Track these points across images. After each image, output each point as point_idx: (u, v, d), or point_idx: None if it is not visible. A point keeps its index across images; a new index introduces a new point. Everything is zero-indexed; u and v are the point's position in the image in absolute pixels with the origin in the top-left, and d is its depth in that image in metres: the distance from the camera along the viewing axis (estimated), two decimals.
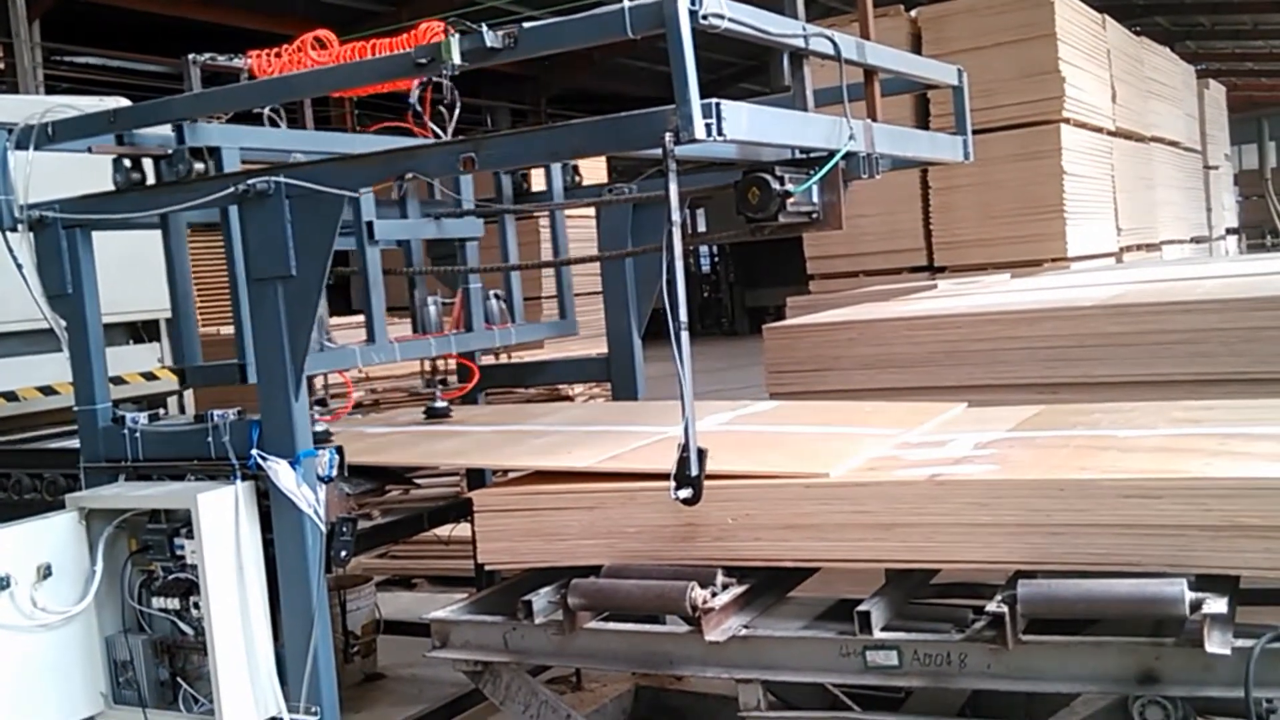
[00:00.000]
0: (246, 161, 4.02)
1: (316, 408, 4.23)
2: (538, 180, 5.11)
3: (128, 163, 3.93)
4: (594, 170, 7.32)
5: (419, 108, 4.02)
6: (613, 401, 5.27)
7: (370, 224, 4.28)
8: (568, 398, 7.58)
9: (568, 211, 5.65)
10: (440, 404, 4.87)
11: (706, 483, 3.15)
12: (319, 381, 4.29)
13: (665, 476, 3.14)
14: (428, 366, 4.97)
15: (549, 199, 4.95)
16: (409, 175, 3.46)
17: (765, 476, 3.31)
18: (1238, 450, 3.14)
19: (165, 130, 4.03)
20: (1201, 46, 27.66)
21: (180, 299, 4.20)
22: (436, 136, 4.11)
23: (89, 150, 3.97)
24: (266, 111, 4.10)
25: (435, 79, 3.63)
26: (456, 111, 4.14)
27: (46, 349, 5.30)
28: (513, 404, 6.63)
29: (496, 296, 4.83)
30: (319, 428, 4.04)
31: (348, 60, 3.81)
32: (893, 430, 3.84)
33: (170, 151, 3.89)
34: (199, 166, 3.83)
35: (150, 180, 4.03)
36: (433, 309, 4.66)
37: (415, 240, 4.72)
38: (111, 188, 3.98)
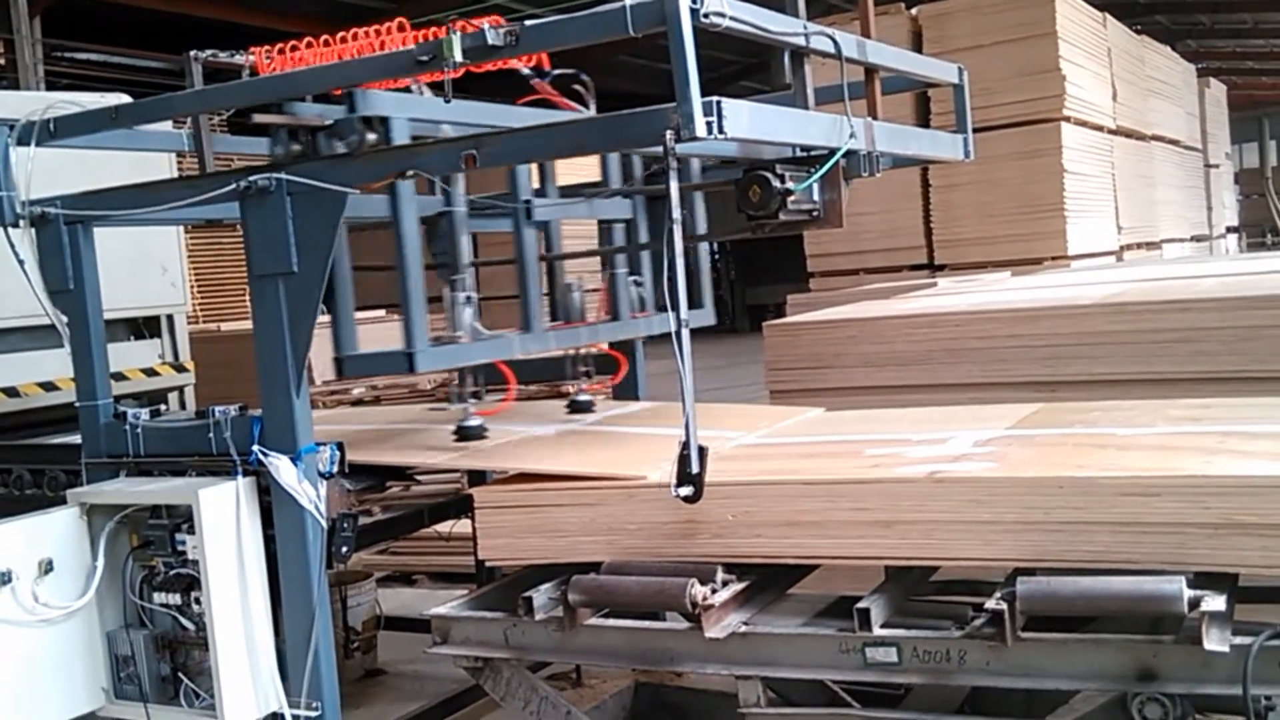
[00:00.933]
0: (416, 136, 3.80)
1: (471, 400, 4.17)
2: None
3: (285, 134, 3.67)
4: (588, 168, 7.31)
5: (543, 92, 3.83)
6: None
7: (529, 202, 4.11)
8: (567, 395, 7.57)
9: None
10: (584, 397, 4.68)
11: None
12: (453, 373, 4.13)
13: None
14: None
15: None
16: (410, 172, 3.47)
17: (575, 479, 3.46)
18: (1236, 449, 3.14)
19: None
20: (1202, 45, 27.65)
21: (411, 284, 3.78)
22: (577, 111, 4.01)
23: (250, 116, 3.73)
24: (414, 83, 3.84)
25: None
26: (592, 90, 4.06)
27: (48, 345, 5.31)
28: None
29: (636, 283, 4.57)
30: (473, 422, 4.00)
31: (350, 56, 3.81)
32: (736, 433, 4.01)
33: (330, 122, 3.66)
34: (371, 137, 3.56)
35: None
36: (577, 295, 4.39)
37: (554, 223, 4.52)
38: (113, 185, 3.98)
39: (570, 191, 4.77)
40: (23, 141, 3.89)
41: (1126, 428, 3.55)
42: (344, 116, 3.64)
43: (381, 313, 13.12)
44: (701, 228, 4.65)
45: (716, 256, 28.78)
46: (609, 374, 4.93)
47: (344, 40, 3.87)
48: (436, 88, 3.88)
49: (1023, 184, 10.61)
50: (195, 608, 3.55)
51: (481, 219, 4.27)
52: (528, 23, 3.12)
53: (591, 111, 4.08)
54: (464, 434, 4.08)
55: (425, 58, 3.19)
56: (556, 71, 3.76)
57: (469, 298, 3.81)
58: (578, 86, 4.06)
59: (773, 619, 3.29)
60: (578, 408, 4.64)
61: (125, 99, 5.68)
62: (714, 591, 3.18)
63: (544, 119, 3.85)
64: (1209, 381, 4.36)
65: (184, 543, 3.55)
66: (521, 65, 3.66)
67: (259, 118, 3.69)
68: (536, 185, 4.42)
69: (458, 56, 3.11)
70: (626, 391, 5.09)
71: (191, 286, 8.95)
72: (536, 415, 4.69)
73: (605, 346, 4.79)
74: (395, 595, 6.91)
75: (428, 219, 3.94)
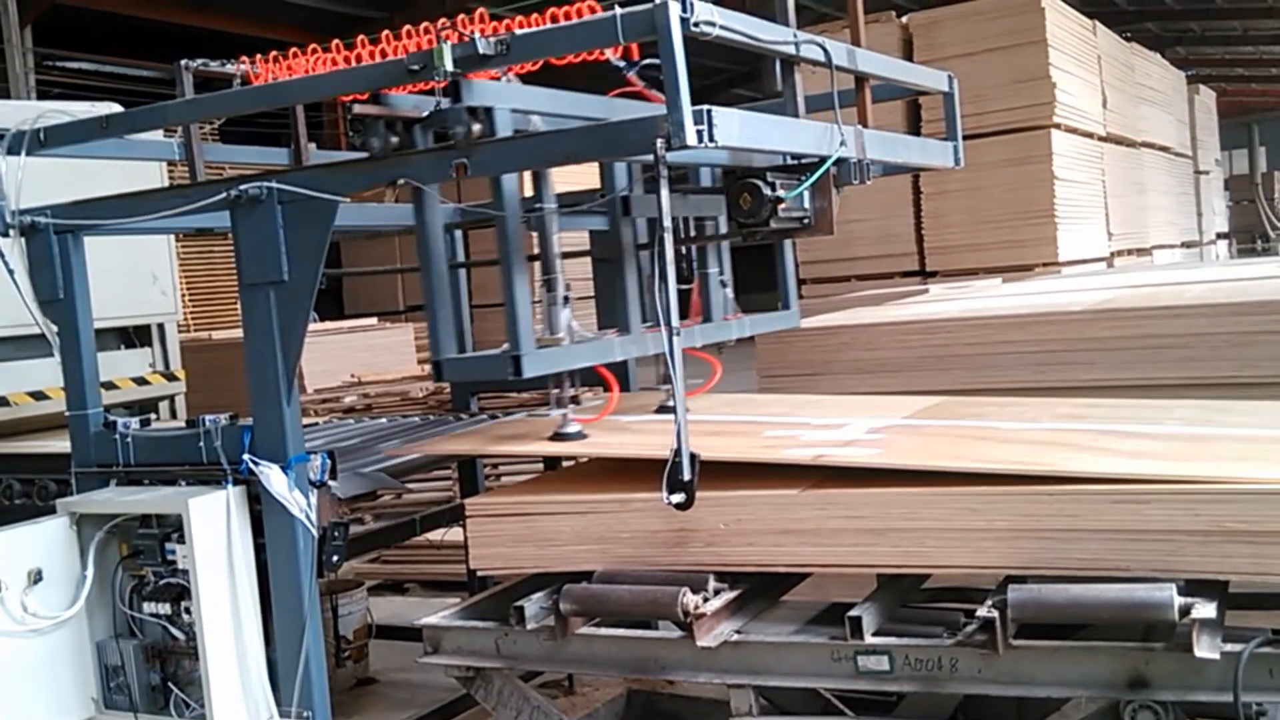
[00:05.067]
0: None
1: (572, 406, 3.94)
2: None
3: (383, 126, 3.46)
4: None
5: (635, 86, 3.71)
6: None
7: (628, 197, 3.99)
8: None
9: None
10: (668, 404, 4.32)
11: None
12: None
13: None
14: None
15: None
16: (400, 181, 3.46)
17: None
18: (1105, 446, 3.29)
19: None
20: (1192, 52, 27.75)
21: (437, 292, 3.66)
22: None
23: (350, 109, 3.50)
24: (503, 74, 3.61)
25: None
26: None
27: (38, 354, 5.30)
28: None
29: (723, 284, 4.39)
30: (571, 428, 3.86)
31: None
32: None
33: (425, 114, 3.50)
34: (476, 128, 3.36)
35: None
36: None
37: (641, 221, 4.25)
38: (103, 194, 3.97)
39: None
40: (13, 151, 3.88)
41: (1012, 422, 3.68)
42: (450, 107, 3.40)
43: (373, 320, 13.15)
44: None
45: None
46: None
47: (336, 49, 3.86)
48: (525, 79, 3.73)
49: (1014, 191, 10.64)
50: (185, 617, 3.54)
51: (572, 216, 4.08)
52: (518, 31, 3.12)
53: None
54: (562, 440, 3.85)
55: (416, 67, 3.20)
56: (644, 62, 3.66)
57: (566, 297, 3.63)
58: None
59: (765, 627, 3.29)
60: (668, 414, 4.30)
61: (116, 108, 5.67)
62: (706, 600, 3.17)
63: (634, 111, 3.72)
64: (1199, 387, 4.37)
65: (174, 552, 3.54)
66: (612, 56, 3.55)
67: (358, 109, 3.49)
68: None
69: (448, 66, 3.11)
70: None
71: (183, 295, 8.93)
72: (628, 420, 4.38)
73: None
74: (387, 604, 6.90)
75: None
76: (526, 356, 3.39)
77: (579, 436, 3.79)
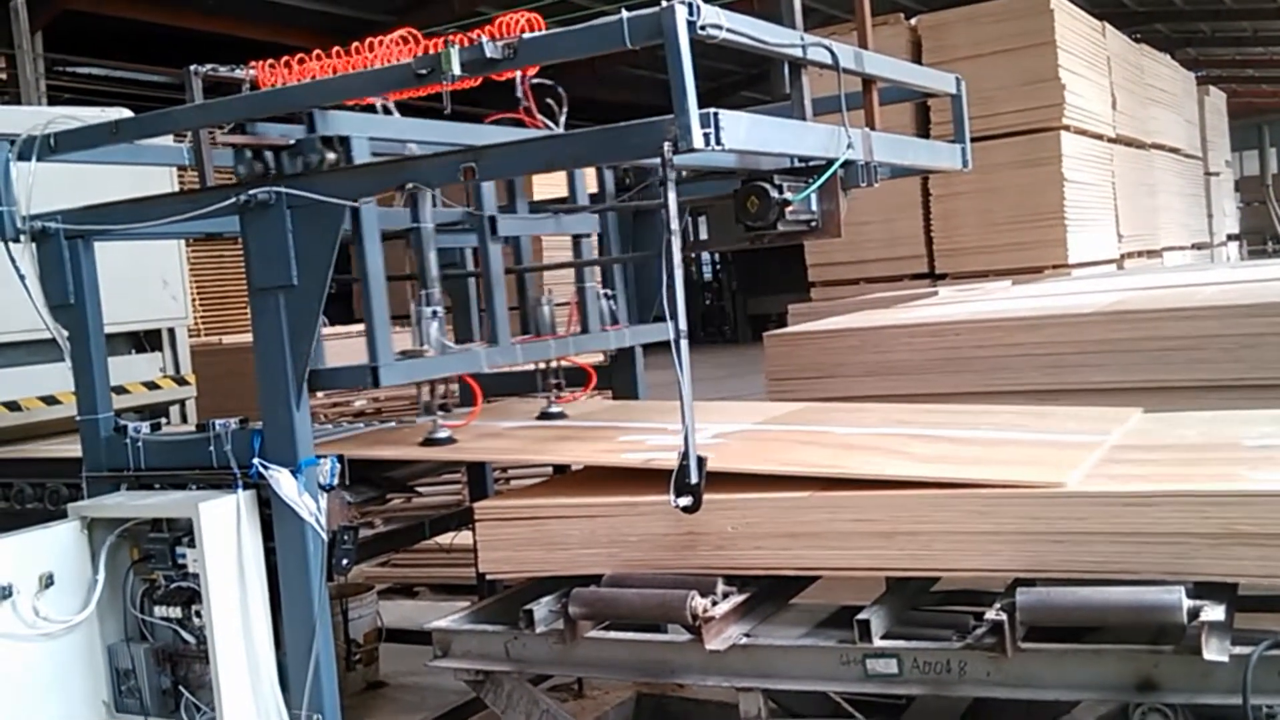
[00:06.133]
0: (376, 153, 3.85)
1: (440, 413, 4.08)
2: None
3: (249, 154, 3.68)
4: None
5: (527, 101, 3.84)
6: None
7: (494, 218, 4.12)
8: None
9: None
10: (555, 409, 4.50)
11: None
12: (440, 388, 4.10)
13: None
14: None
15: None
16: (409, 184, 3.48)
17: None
18: (902, 449, 3.51)
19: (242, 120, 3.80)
20: (1202, 53, 27.67)
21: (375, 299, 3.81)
22: (548, 128, 3.99)
23: (214, 139, 3.80)
24: (380, 102, 3.91)
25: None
26: (564, 105, 4.01)
27: (49, 359, 5.31)
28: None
29: (608, 296, 4.54)
30: (442, 434, 3.94)
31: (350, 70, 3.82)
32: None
33: (293, 142, 3.69)
34: (331, 156, 3.62)
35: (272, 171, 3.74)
36: (546, 309, 4.37)
37: (525, 237, 4.52)
38: (114, 199, 3.99)
39: (544, 205, 4.75)
40: (24, 156, 3.90)
41: (845, 427, 3.88)
42: (304, 136, 3.67)
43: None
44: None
45: (718, 267, 28.85)
46: (579, 386, 4.80)
47: (344, 54, 3.87)
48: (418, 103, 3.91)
49: (1023, 193, 10.63)
50: (196, 621, 3.55)
51: (450, 234, 4.30)
52: (526, 35, 3.13)
53: (559, 128, 4.04)
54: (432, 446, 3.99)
55: (424, 71, 3.20)
56: (535, 80, 3.75)
57: (435, 312, 3.80)
58: (550, 100, 4.03)
59: (773, 630, 3.28)
60: (549, 419, 4.53)
61: (127, 113, 5.69)
62: (714, 604, 3.17)
63: (508, 138, 3.86)
64: (1210, 390, 4.36)
65: (184, 556, 3.56)
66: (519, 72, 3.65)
67: (222, 139, 3.74)
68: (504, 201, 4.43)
69: (456, 70, 3.12)
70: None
71: (193, 299, 8.95)
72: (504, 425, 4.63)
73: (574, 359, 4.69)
74: (396, 607, 6.90)
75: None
76: (384, 368, 3.59)
77: (449, 442, 3.90)
